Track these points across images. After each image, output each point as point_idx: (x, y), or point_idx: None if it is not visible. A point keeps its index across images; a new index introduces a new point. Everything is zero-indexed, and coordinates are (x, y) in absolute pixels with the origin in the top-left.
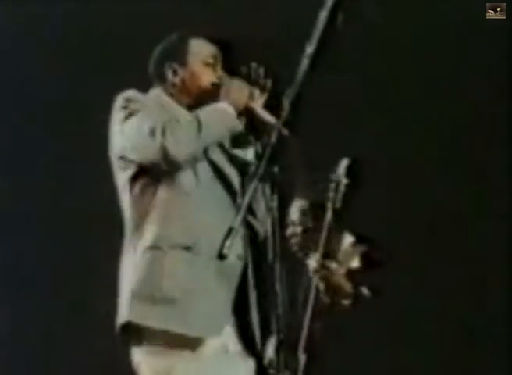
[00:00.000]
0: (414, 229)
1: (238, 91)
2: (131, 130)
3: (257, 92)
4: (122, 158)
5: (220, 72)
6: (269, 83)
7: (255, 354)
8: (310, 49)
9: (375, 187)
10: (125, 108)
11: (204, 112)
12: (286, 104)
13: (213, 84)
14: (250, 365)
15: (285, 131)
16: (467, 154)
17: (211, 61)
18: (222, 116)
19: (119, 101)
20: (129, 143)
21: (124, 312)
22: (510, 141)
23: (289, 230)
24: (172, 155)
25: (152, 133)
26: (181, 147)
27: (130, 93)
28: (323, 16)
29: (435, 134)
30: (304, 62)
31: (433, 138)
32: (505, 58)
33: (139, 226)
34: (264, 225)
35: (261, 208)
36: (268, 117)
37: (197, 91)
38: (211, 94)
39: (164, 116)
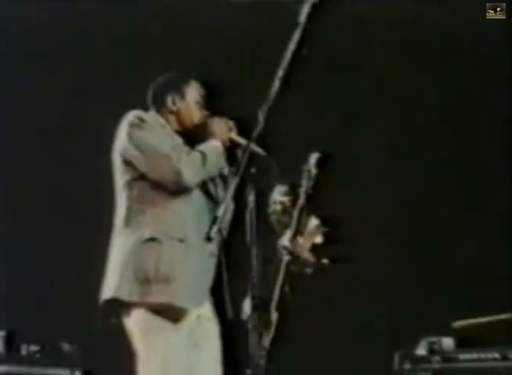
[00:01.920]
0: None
1: (220, 128)
2: (147, 149)
3: (231, 124)
4: (126, 163)
5: (203, 110)
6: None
7: (225, 318)
8: (281, 72)
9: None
10: (137, 126)
11: (205, 148)
12: (260, 118)
13: (202, 122)
14: (216, 326)
15: (261, 152)
16: (466, 154)
17: (200, 101)
18: (216, 155)
19: (133, 117)
20: (148, 162)
21: (124, 291)
22: (510, 141)
23: (271, 208)
24: (186, 180)
25: (167, 158)
26: (193, 174)
27: (140, 113)
28: (291, 46)
29: (434, 134)
30: (276, 83)
31: (432, 138)
32: (505, 58)
33: (133, 220)
34: (225, 230)
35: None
36: (244, 142)
37: (189, 123)
38: (199, 129)
39: (171, 142)
